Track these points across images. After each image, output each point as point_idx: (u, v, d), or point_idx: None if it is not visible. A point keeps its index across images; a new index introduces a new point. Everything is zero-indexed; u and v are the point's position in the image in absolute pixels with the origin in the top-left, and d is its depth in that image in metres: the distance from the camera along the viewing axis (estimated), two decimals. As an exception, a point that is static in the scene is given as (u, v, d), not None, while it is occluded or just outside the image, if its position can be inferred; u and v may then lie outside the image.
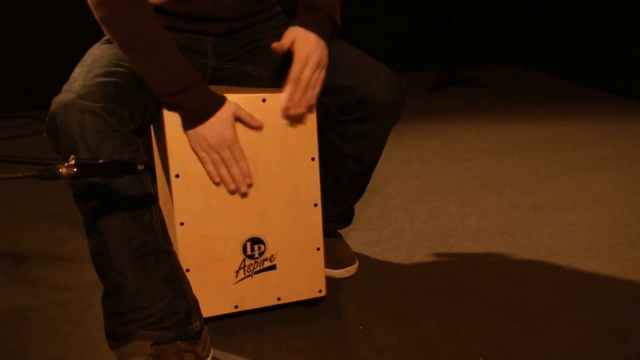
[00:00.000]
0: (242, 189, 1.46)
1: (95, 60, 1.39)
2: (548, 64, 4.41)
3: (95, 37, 1.53)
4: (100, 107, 1.27)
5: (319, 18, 1.43)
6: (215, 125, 1.36)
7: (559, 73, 4.27)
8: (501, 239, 2.04)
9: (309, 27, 1.41)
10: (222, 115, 1.37)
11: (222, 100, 1.37)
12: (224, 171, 1.43)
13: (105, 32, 1.35)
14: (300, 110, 1.44)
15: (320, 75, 1.44)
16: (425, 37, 4.51)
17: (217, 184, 1.44)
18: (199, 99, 1.35)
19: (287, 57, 1.52)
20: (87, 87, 1.30)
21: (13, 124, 3.48)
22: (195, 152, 1.41)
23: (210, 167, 1.42)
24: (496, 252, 1.97)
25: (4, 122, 3.51)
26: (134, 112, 1.34)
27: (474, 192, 2.43)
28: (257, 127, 1.43)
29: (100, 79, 1.32)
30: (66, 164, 1.07)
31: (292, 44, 1.40)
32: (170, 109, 1.38)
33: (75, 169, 1.07)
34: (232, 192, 1.46)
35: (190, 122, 1.37)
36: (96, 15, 1.33)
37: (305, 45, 1.40)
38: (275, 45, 1.40)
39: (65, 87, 1.33)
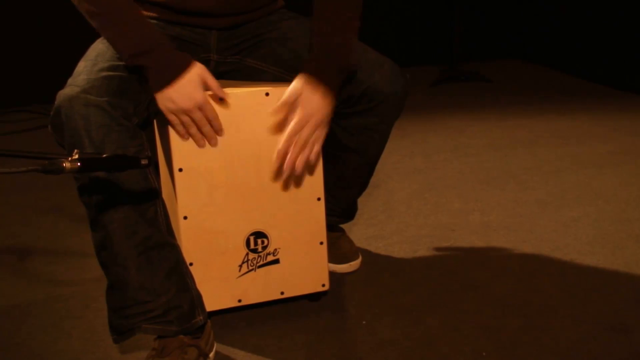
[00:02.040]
0: (212, 142, 1.42)
1: (100, 54, 1.39)
2: (551, 59, 4.40)
3: (97, 32, 1.53)
4: (105, 101, 1.28)
5: (329, 70, 1.38)
6: (183, 87, 1.33)
7: (563, 68, 4.26)
8: (504, 234, 2.04)
9: (316, 83, 1.37)
10: (189, 76, 1.34)
11: (187, 61, 1.34)
12: (194, 130, 1.39)
13: (75, 3, 1.34)
14: (298, 169, 1.40)
15: (322, 133, 1.41)
16: (428, 31, 4.51)
17: (184, 138, 1.40)
18: (163, 59, 1.33)
19: (290, 51, 1.52)
20: (92, 81, 1.30)
21: (17, 118, 3.48)
22: (164, 115, 1.37)
23: (180, 128, 1.39)
24: (499, 247, 1.97)
25: (8, 116, 3.52)
26: (138, 106, 1.34)
27: (477, 187, 2.43)
28: (221, 97, 1.39)
29: (104, 73, 1.32)
30: (70, 159, 1.07)
31: (296, 98, 1.37)
32: (138, 73, 1.35)
33: (79, 164, 1.08)
34: (201, 146, 1.42)
35: (157, 83, 1.33)
36: None
37: (308, 106, 1.37)
38: (280, 103, 1.38)
39: (70, 81, 1.34)
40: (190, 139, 1.41)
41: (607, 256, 1.88)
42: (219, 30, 1.53)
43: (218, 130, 1.42)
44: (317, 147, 1.42)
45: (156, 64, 1.32)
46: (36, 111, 3.49)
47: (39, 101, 3.49)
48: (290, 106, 1.38)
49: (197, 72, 1.35)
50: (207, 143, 1.43)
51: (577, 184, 2.43)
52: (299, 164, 1.40)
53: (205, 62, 1.55)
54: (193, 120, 1.38)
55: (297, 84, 1.38)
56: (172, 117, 1.37)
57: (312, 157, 1.42)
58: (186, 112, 1.36)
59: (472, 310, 1.63)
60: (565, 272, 1.81)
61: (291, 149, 1.39)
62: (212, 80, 1.37)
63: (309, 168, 1.51)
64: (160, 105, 1.36)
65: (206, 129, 1.40)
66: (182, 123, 1.38)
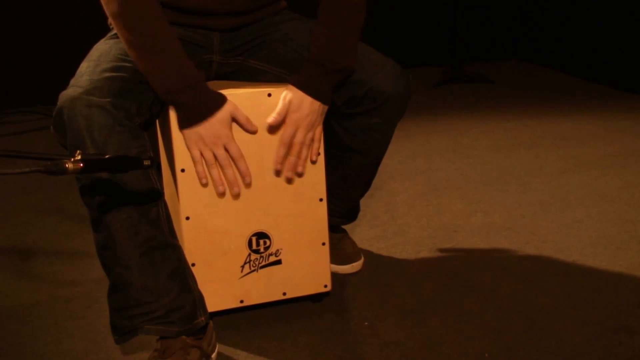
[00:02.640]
0: (234, 190, 1.45)
1: (102, 55, 1.39)
2: (554, 60, 4.39)
3: (101, 32, 1.54)
4: (108, 102, 1.28)
5: (320, 78, 1.44)
6: (213, 125, 1.37)
7: (565, 69, 4.26)
8: (507, 235, 2.04)
9: (306, 89, 1.43)
10: (220, 115, 1.37)
11: (221, 101, 1.38)
12: (215, 171, 1.42)
13: (114, 27, 1.35)
14: (298, 170, 1.48)
15: (316, 133, 1.48)
16: (431, 32, 4.50)
17: (204, 185, 1.44)
18: (199, 98, 1.36)
19: (293, 52, 1.52)
20: (95, 82, 1.30)
21: (20, 119, 3.49)
22: (189, 149, 1.40)
23: (200, 167, 1.42)
24: (502, 248, 1.96)
25: (11, 117, 3.52)
26: (140, 107, 1.34)
27: (479, 188, 2.43)
28: (252, 131, 1.43)
29: (107, 74, 1.32)
30: (72, 159, 1.07)
31: (287, 109, 1.43)
32: (165, 104, 1.39)
33: (81, 164, 1.08)
34: (219, 193, 1.45)
35: (188, 120, 1.37)
36: (106, 10, 1.33)
37: (297, 111, 1.44)
38: (271, 119, 1.43)
39: (72, 81, 1.34)
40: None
41: (610, 258, 1.88)
42: (221, 31, 1.54)
43: (244, 173, 1.44)
44: (316, 145, 1.49)
45: (191, 102, 1.35)
46: (40, 112, 3.49)
47: (42, 102, 3.50)
48: (284, 115, 1.44)
49: (228, 110, 1.38)
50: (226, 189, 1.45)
51: (580, 185, 2.42)
52: (299, 166, 1.49)
53: (208, 64, 1.55)
54: (216, 158, 1.40)
55: (287, 92, 1.44)
56: (195, 153, 1.40)
57: (313, 157, 1.49)
58: (210, 148, 1.39)
59: (474, 312, 1.63)
60: (568, 273, 1.81)
61: (288, 155, 1.46)
62: (242, 117, 1.41)
63: (311, 169, 1.51)
64: (186, 140, 1.39)
65: (229, 172, 1.43)
66: (205, 160, 1.41)
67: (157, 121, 1.63)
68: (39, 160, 1.08)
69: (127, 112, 1.31)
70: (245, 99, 1.43)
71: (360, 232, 2.06)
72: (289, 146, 1.46)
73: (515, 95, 3.82)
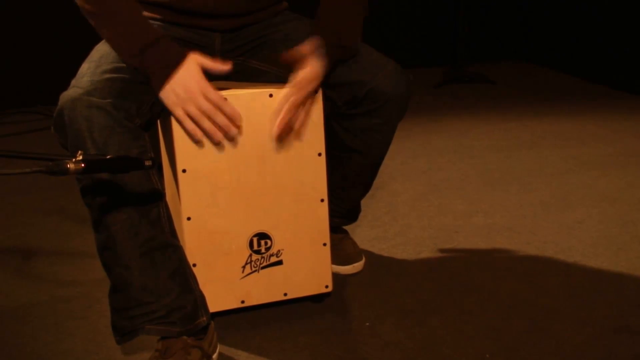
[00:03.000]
0: (231, 131, 1.41)
1: (103, 56, 1.39)
2: (555, 60, 4.39)
3: (101, 32, 1.53)
4: (108, 103, 1.28)
5: (323, 46, 1.42)
6: (183, 77, 1.33)
7: (566, 69, 4.26)
8: (508, 236, 2.04)
9: (325, 51, 1.41)
10: (187, 66, 1.34)
11: (183, 53, 1.35)
12: (206, 123, 1.38)
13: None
14: (297, 125, 1.45)
15: (306, 103, 1.45)
16: (432, 33, 4.50)
17: (197, 142, 1.40)
18: (160, 55, 1.33)
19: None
20: (95, 83, 1.30)
21: (21, 119, 3.49)
22: (171, 111, 1.36)
23: (188, 123, 1.37)
24: (503, 248, 1.96)
25: (11, 117, 3.52)
26: (141, 107, 1.34)
27: (480, 188, 2.43)
28: (223, 70, 1.38)
29: (108, 75, 1.32)
30: (74, 160, 1.07)
31: (308, 53, 1.40)
32: (139, 71, 1.36)
33: (82, 165, 1.08)
34: (217, 142, 1.42)
35: (158, 80, 1.34)
36: None
37: (311, 69, 1.40)
38: (293, 51, 1.40)
39: (73, 82, 1.34)
40: (200, 142, 1.40)
41: (611, 258, 1.88)
42: (222, 32, 1.54)
43: (232, 116, 1.39)
44: (311, 108, 1.46)
45: (154, 61, 1.33)
46: (40, 112, 3.50)
47: (43, 102, 3.50)
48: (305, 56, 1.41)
49: (193, 60, 1.35)
50: (224, 138, 1.41)
51: (581, 185, 2.42)
52: (298, 123, 1.45)
53: (209, 64, 1.55)
54: (201, 110, 1.36)
55: (311, 41, 1.40)
56: (178, 111, 1.35)
57: (299, 124, 1.46)
58: (192, 101, 1.34)
59: (475, 312, 1.63)
60: (569, 274, 1.81)
61: (284, 115, 1.43)
62: (209, 63, 1.37)
63: (312, 169, 1.51)
64: (165, 102, 1.35)
65: (220, 119, 1.38)
66: (192, 117, 1.36)
67: (158, 122, 1.63)
68: (40, 161, 1.08)
69: (128, 112, 1.31)
70: (246, 100, 1.43)
71: (361, 233, 2.06)
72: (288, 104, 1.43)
73: (516, 96, 3.82)
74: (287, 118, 1.43)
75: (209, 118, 1.38)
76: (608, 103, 3.57)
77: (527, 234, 2.05)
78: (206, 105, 1.36)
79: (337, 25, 1.45)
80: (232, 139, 1.43)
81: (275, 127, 1.44)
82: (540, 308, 1.64)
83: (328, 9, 1.46)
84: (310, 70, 1.40)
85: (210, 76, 1.57)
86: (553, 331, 1.54)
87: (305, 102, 1.45)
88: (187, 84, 1.33)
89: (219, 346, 1.49)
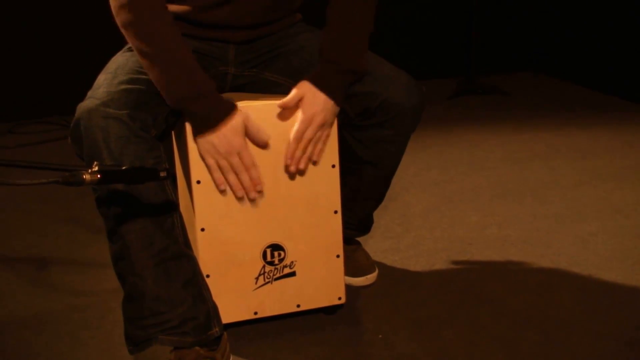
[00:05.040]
0: (251, 195, 1.45)
1: (119, 67, 1.40)
2: (568, 72, 4.37)
3: (117, 44, 1.55)
4: (124, 114, 1.29)
5: (334, 75, 1.44)
6: (224, 133, 1.37)
7: (580, 81, 4.24)
8: (522, 248, 2.03)
9: (320, 85, 1.43)
10: (232, 122, 1.37)
11: (232, 109, 1.38)
12: (232, 178, 1.42)
13: (125, 36, 1.37)
14: (301, 166, 1.47)
15: (324, 133, 1.47)
16: (445, 44, 4.50)
17: (222, 191, 1.44)
18: (210, 106, 1.36)
19: (307, 63, 1.52)
20: (112, 94, 1.31)
21: (37, 129, 3.52)
22: (203, 158, 1.41)
23: (217, 174, 1.42)
24: (516, 261, 1.95)
25: (28, 127, 3.55)
26: (156, 118, 1.36)
27: (494, 200, 2.42)
28: (262, 142, 1.43)
29: (124, 86, 1.34)
30: (90, 170, 1.08)
31: (300, 101, 1.43)
32: (181, 115, 1.39)
33: (98, 175, 1.09)
34: (239, 199, 1.46)
35: (200, 128, 1.37)
36: (117, 20, 1.35)
37: (311, 107, 1.43)
38: (281, 102, 1.43)
39: (90, 93, 1.35)
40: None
41: (626, 271, 1.86)
42: (236, 44, 1.55)
43: (255, 180, 1.43)
44: (319, 147, 1.48)
45: (202, 110, 1.36)
46: (56, 122, 3.52)
47: (59, 113, 3.52)
48: (294, 108, 1.44)
49: (240, 119, 1.38)
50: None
51: (595, 198, 2.41)
52: (302, 163, 1.47)
53: (223, 75, 1.56)
54: (231, 166, 1.40)
55: (300, 86, 1.44)
56: (210, 161, 1.40)
57: (315, 156, 1.48)
58: (225, 157, 1.39)
59: (489, 325, 1.62)
60: (583, 287, 1.79)
61: (297, 149, 1.46)
62: (253, 127, 1.41)
63: (326, 180, 1.51)
64: (200, 149, 1.40)
65: (244, 177, 1.42)
66: (221, 168, 1.40)
67: (172, 132, 1.64)
68: (56, 171, 1.09)
69: (144, 123, 1.32)
70: (259, 111, 1.44)
71: (374, 244, 2.06)
72: (299, 141, 1.46)
73: (530, 107, 3.80)
74: (299, 156, 1.47)
75: (237, 175, 1.43)
76: (622, 115, 3.55)
77: (541, 246, 2.04)
78: (237, 163, 1.40)
79: (344, 51, 1.45)
80: (252, 202, 1.48)
81: (290, 165, 1.47)
82: (554, 321, 1.63)
83: (333, 34, 1.47)
84: (310, 105, 1.43)
85: (224, 88, 1.58)
86: (567, 344, 1.53)
87: (319, 135, 1.47)
88: (228, 140, 1.37)
89: (231, 357, 1.49)
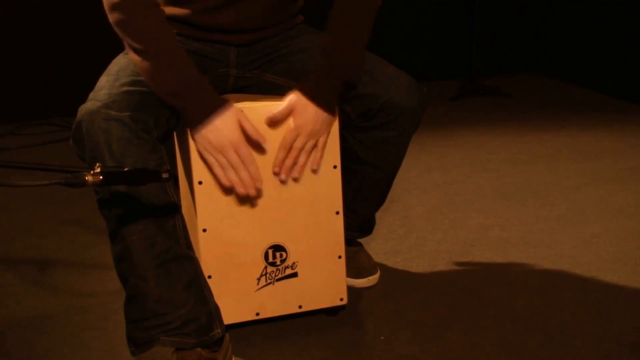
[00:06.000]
0: (251, 192, 1.43)
1: (121, 69, 1.40)
2: (571, 73, 4.37)
3: (119, 46, 1.55)
4: (126, 116, 1.29)
5: (325, 85, 1.43)
6: (217, 126, 1.35)
7: (583, 82, 4.24)
8: (524, 250, 2.03)
9: (311, 96, 1.43)
10: (223, 115, 1.36)
11: (223, 102, 1.37)
12: (232, 175, 1.40)
13: (117, 34, 1.36)
14: (295, 175, 1.47)
15: (319, 142, 1.46)
16: (447, 46, 4.51)
17: (226, 189, 1.43)
18: (201, 100, 1.35)
19: (308, 65, 1.52)
20: (113, 96, 1.31)
21: (39, 130, 3.53)
22: (202, 156, 1.40)
23: (219, 171, 1.40)
24: (519, 263, 1.95)
25: (29, 129, 3.56)
26: (158, 120, 1.36)
27: (496, 202, 2.42)
28: (257, 140, 1.41)
29: (125, 88, 1.34)
30: (92, 172, 1.08)
31: (290, 111, 1.43)
32: (174, 110, 1.38)
33: (101, 177, 1.09)
34: (241, 199, 1.45)
35: (193, 124, 1.36)
36: (110, 19, 1.35)
37: (300, 117, 1.43)
38: (272, 115, 1.43)
39: (92, 95, 1.35)
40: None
41: (629, 273, 1.86)
42: (238, 46, 1.55)
43: (254, 175, 1.42)
44: (317, 155, 1.48)
45: (193, 104, 1.35)
46: (58, 124, 3.53)
47: (61, 114, 3.53)
48: (285, 119, 1.44)
49: (231, 113, 1.37)
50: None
51: (598, 199, 2.40)
52: (295, 172, 1.47)
53: (224, 77, 1.56)
54: (230, 163, 1.39)
55: (291, 97, 1.44)
56: (209, 158, 1.39)
57: (314, 165, 1.49)
58: (222, 152, 1.38)
59: (491, 327, 1.62)
60: (586, 289, 1.79)
61: (287, 158, 1.46)
62: (248, 124, 1.40)
63: (327, 182, 1.51)
64: (197, 146, 1.39)
65: (243, 175, 1.41)
66: (220, 165, 1.40)
67: (174, 134, 1.64)
68: (58, 173, 1.09)
69: (145, 125, 1.32)
70: (259, 112, 1.44)
71: (376, 246, 2.06)
72: (288, 150, 1.45)
73: (532, 109, 3.80)
74: (289, 165, 1.46)
75: (236, 171, 1.41)
76: (625, 117, 3.55)
77: (544, 248, 2.04)
78: (234, 159, 1.39)
79: (339, 61, 1.44)
80: (253, 198, 1.47)
81: (281, 173, 1.47)
82: (557, 323, 1.62)
83: (330, 43, 1.45)
84: (300, 115, 1.43)
85: (225, 90, 1.58)
86: (569, 346, 1.53)
87: (311, 144, 1.46)
88: (222, 134, 1.36)
89: (233, 358, 1.49)
